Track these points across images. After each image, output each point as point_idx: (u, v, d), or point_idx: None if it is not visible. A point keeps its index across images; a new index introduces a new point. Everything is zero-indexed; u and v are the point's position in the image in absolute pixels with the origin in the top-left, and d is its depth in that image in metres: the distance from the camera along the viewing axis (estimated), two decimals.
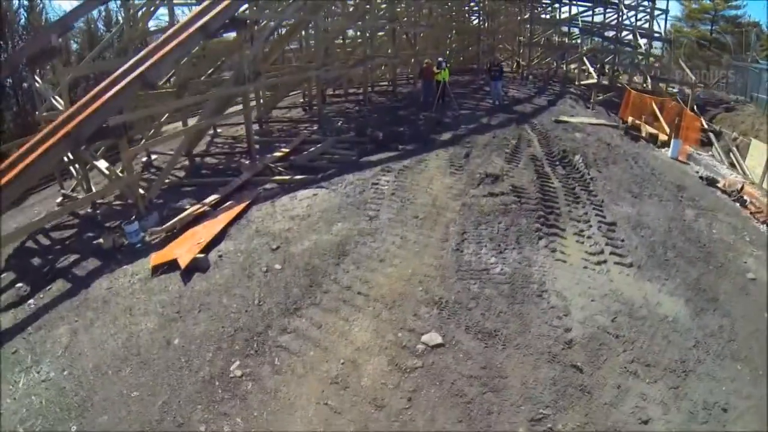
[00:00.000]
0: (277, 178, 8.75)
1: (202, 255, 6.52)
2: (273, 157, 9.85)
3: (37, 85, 9.26)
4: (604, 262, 6.40)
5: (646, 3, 19.84)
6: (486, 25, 22.46)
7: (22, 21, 14.98)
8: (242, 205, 7.81)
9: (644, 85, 18.12)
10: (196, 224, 7.56)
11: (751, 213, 8.75)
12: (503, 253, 6.30)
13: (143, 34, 11.20)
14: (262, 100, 12.12)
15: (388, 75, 16.47)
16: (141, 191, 8.04)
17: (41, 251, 7.52)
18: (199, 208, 7.89)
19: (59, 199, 9.31)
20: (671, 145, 11.53)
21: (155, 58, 8.00)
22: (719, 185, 9.85)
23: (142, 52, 8.48)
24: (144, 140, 9.95)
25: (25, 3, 15.48)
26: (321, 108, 11.66)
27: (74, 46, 15.75)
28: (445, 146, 10.07)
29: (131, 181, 7.88)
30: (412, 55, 16.19)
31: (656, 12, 20.44)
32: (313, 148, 9.89)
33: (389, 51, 15.26)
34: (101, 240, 7.29)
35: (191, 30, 8.47)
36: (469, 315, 5.32)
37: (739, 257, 7.26)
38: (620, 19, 18.82)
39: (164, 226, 7.43)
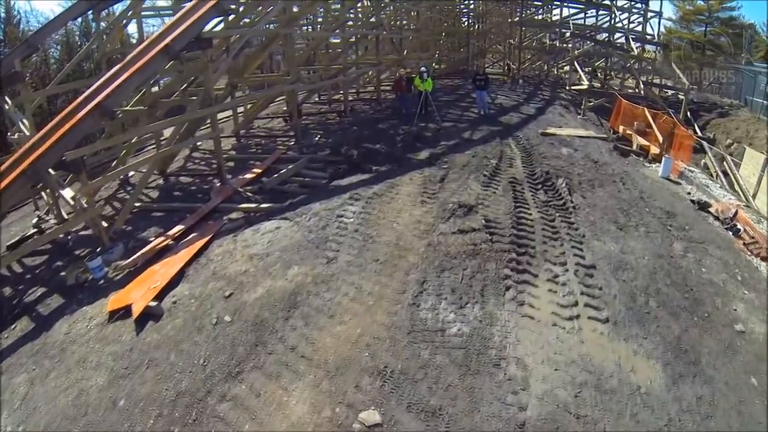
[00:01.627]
0: (243, 206, 8.05)
1: (155, 303, 5.98)
2: (244, 179, 9.16)
3: (7, 107, 8.61)
4: (577, 317, 5.60)
5: (639, 5, 18.36)
6: (476, 27, 21.10)
7: None
8: (203, 241, 7.16)
9: (636, 89, 16.83)
10: (159, 259, 7.01)
11: (744, 244, 7.82)
12: (464, 308, 5.55)
13: (116, 48, 10.38)
14: (240, 114, 11.33)
15: (373, 82, 15.44)
16: (104, 224, 7.45)
17: (12, 279, 7.22)
18: (163, 241, 7.31)
19: (34, 220, 8.84)
20: (662, 164, 10.50)
21: (114, 85, 7.28)
22: (712, 210, 8.88)
23: (105, 76, 7.76)
24: (115, 163, 9.32)
25: (2, 15, 14.67)
26: (297, 124, 10.82)
27: (55, 56, 14.94)
28: (420, 167, 9.23)
29: (93, 214, 7.26)
30: (398, 60, 15.09)
31: (649, 14, 18.99)
32: (284, 170, 9.13)
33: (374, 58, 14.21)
34: (66, 274, 6.91)
35: (153, 53, 7.70)
36: (414, 389, 4.62)
37: (728, 303, 6.41)
38: (613, 21, 17.46)
39: (126, 262, 6.92)
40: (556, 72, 19.63)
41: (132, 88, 7.59)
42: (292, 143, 10.95)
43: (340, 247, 6.64)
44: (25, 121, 8.16)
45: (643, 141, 12.56)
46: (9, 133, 8.98)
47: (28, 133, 7.78)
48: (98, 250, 7.31)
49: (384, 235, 6.89)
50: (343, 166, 9.33)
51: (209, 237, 7.26)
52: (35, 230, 8.55)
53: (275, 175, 8.96)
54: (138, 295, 6.17)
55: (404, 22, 15.61)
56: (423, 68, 12.23)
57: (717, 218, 8.63)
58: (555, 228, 7.37)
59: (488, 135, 11.30)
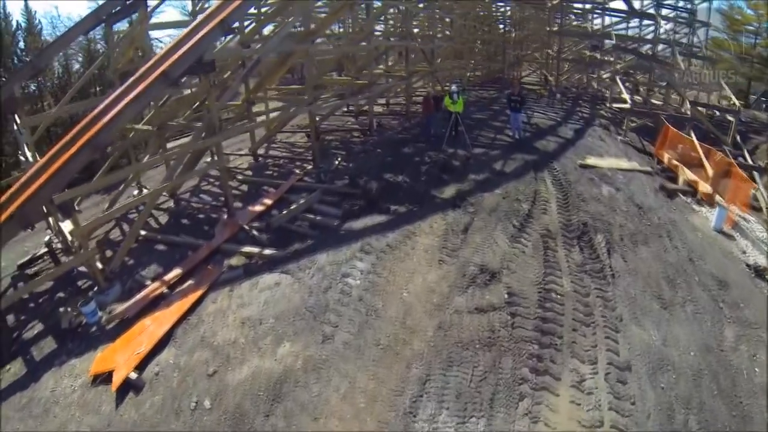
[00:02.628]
0: (246, 249, 7.39)
1: (136, 375, 5.54)
2: (253, 212, 8.49)
3: (15, 127, 8.21)
4: None
5: (685, 15, 15.99)
6: (513, 34, 19.15)
7: (21, 44, 13.90)
8: (197, 295, 6.60)
9: (683, 110, 14.72)
10: (153, 308, 6.54)
11: None
12: (467, 422, 4.68)
13: (128, 62, 9.72)
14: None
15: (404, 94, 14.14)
16: (99, 266, 7.00)
17: (17, 305, 7.03)
18: (157, 288, 6.80)
19: (46, 238, 8.58)
20: (715, 214, 8.98)
21: (107, 118, 6.65)
22: None
23: (104, 103, 7.13)
24: (122, 186, 8.85)
25: (23, 24, 14.27)
26: (315, 146, 9.94)
27: (76, 66, 14.51)
28: (444, 209, 8.21)
29: (88, 257, 6.80)
30: (430, 71, 13.68)
31: (696, 24, 16.54)
32: (295, 205, 8.36)
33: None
34: (60, 316, 6.60)
35: (150, 79, 6.99)
36: None
37: None
38: (657, 32, 15.27)
39: (119, 311, 6.47)
40: (595, 86, 17.62)
41: (127, 120, 6.94)
42: (311, 167, 10.10)
43: (339, 321, 5.87)
44: (25, 148, 7.73)
45: (691, 175, 10.97)
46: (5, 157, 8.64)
47: (31, 160, 7.35)
48: (95, 289, 6.92)
49: (391, 308, 6.05)
50: (360, 203, 8.45)
51: (204, 290, 6.65)
52: (46, 249, 8.32)
53: (285, 211, 8.22)
54: (122, 359, 5.76)
55: (437, 29, 14.12)
56: (454, 87, 10.95)
57: None
58: (588, 306, 6.27)
59: (522, 167, 10.02)
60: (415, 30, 13.68)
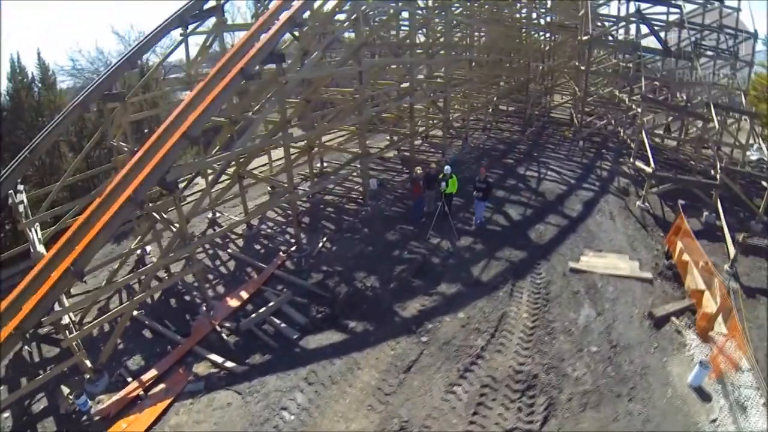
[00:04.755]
0: (212, 358, 8.63)
1: None
2: (229, 308, 9.67)
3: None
4: None
5: (726, 54, 13.78)
6: (541, 67, 17.69)
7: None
8: (164, 404, 8.00)
9: (713, 172, 13.28)
10: (131, 407, 8.09)
11: None
12: None
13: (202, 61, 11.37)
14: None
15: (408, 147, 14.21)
16: (88, 364, 8.56)
17: (31, 366, 8.82)
18: (134, 390, 8.35)
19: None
20: (694, 371, 8.44)
21: (197, 112, 8.36)
22: None
23: (180, 107, 8.94)
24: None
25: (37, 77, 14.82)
26: (297, 232, 10.69)
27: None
28: (398, 335, 8.78)
29: (77, 361, 8.38)
30: (442, 120, 13.42)
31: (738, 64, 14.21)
32: (264, 308, 9.41)
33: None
34: (59, 402, 8.40)
35: (230, 76, 8.54)
36: None
37: None
38: (694, 76, 13.54)
39: (103, 408, 8.09)
40: (622, 133, 16.12)
41: (215, 112, 8.66)
42: (294, 248, 10.96)
43: None
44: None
45: (699, 281, 9.95)
46: None
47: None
48: (87, 378, 8.61)
49: None
50: (325, 310, 9.30)
51: (171, 400, 8.09)
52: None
53: (254, 315, 9.29)
54: None
55: (449, 76, 13.74)
56: (447, 168, 10.90)
57: None
58: None
59: (504, 271, 10.08)
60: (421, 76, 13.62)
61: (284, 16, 8.91)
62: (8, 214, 9.79)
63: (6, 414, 8.08)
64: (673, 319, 9.90)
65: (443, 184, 10.71)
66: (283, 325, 9.17)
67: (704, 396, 8.42)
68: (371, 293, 9.68)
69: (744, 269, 11.83)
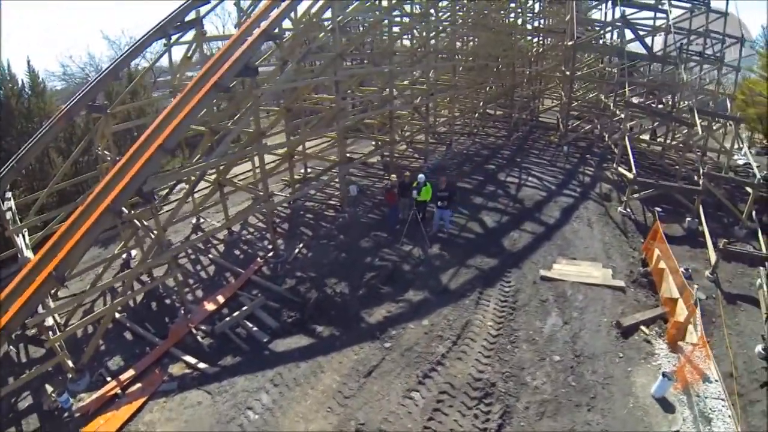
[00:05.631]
0: (186, 359, 9.21)
1: None
2: (205, 312, 10.24)
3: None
4: None
5: (712, 58, 13.85)
6: (528, 72, 17.86)
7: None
8: (140, 402, 8.60)
9: (696, 177, 13.45)
10: (109, 406, 8.72)
11: None
12: None
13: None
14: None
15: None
16: (70, 363, 9.21)
17: (17, 366, 9.48)
18: (112, 389, 8.98)
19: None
20: (657, 382, 8.63)
21: (174, 123, 8.98)
22: None
23: (159, 118, 9.56)
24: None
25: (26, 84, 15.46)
26: (273, 240, 11.22)
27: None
28: (362, 340, 9.24)
29: (59, 360, 9.04)
30: (425, 127, 13.81)
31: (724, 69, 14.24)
32: (238, 312, 9.96)
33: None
34: (43, 399, 9.09)
35: (205, 89, 9.09)
36: None
37: None
38: (679, 78, 13.64)
39: (83, 406, 8.72)
40: (607, 139, 16.28)
41: (191, 123, 9.16)
42: (271, 254, 11.49)
43: None
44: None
45: (674, 289, 10.05)
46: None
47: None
48: (69, 377, 9.27)
49: None
50: (295, 315, 9.81)
51: (146, 398, 8.71)
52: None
53: (228, 318, 9.85)
54: None
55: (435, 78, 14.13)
56: (421, 176, 11.29)
57: None
58: None
59: (473, 279, 10.45)
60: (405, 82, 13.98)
61: (258, 30, 9.36)
62: None
63: None
64: (642, 328, 10.09)
65: (414, 192, 11.11)
66: (254, 328, 9.70)
67: (668, 407, 8.40)
68: (340, 299, 10.14)
69: (725, 275, 11.98)
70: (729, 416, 8.28)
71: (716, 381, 9.00)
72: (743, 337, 10.08)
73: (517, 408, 8.18)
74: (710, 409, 8.37)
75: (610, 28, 16.07)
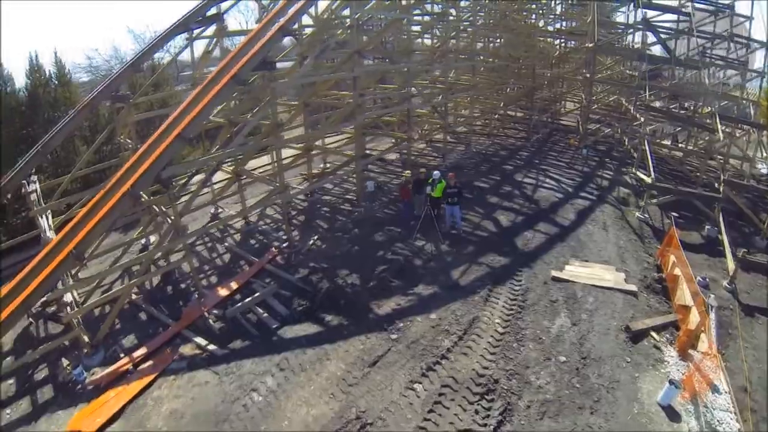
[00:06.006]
0: (197, 340, 9.52)
1: None
2: (218, 297, 10.55)
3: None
4: None
5: (736, 63, 13.51)
6: (548, 74, 17.74)
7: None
8: (149, 378, 8.94)
9: (717, 185, 13.11)
10: (120, 380, 9.09)
11: None
12: None
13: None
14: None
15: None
16: (86, 339, 9.64)
17: (37, 341, 10.01)
18: (124, 365, 9.36)
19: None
20: (664, 390, 8.49)
21: (192, 114, 9.36)
22: None
23: (179, 109, 9.98)
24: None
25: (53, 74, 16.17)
26: (289, 232, 11.49)
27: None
28: (370, 330, 9.38)
29: (75, 335, 9.48)
30: (443, 126, 13.96)
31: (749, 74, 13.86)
32: (250, 298, 10.23)
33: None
34: (59, 371, 9.54)
35: (223, 82, 9.53)
36: None
37: None
38: (702, 84, 13.43)
39: (95, 379, 9.13)
40: (626, 143, 16.04)
41: (208, 115, 9.55)
42: (285, 245, 11.77)
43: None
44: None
45: (689, 297, 9.82)
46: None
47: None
48: (85, 352, 9.69)
49: None
50: (306, 304, 10.03)
51: (156, 375, 9.04)
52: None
53: (239, 304, 10.14)
54: (87, 423, 8.30)
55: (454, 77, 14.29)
56: (436, 173, 11.43)
57: None
58: None
59: (481, 278, 10.48)
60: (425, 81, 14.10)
61: (276, 26, 9.70)
62: (23, 203, 11.03)
63: (11, 380, 9.19)
64: (653, 334, 9.95)
65: (428, 188, 11.25)
66: (265, 314, 9.95)
67: (673, 416, 8.20)
68: (351, 290, 10.31)
69: (744, 286, 11.72)
70: (738, 430, 8.09)
71: (726, 392, 8.77)
72: (760, 351, 9.80)
73: (518, 406, 8.13)
74: (718, 420, 8.11)
75: (631, 31, 15.95)
